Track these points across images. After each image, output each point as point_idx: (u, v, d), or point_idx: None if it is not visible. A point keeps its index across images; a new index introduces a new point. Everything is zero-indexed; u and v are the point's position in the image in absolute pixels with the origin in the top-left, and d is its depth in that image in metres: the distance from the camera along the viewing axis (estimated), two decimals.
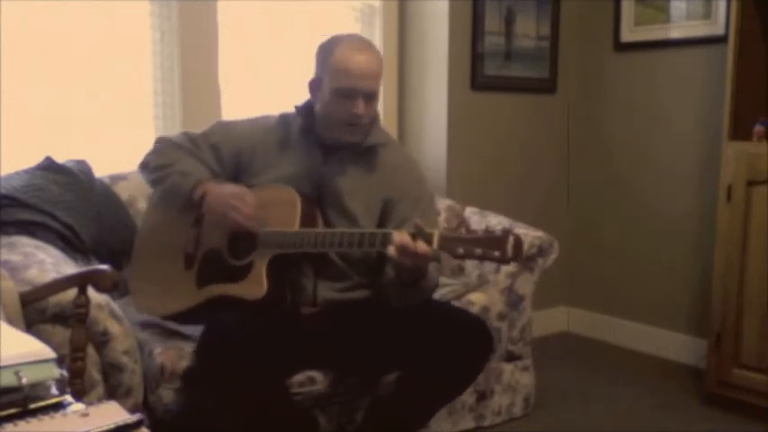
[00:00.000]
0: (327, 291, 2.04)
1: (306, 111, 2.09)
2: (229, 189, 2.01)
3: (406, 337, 1.94)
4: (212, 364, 1.85)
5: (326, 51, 2.01)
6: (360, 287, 2.08)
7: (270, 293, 1.93)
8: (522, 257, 1.65)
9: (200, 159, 2.11)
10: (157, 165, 2.10)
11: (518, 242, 1.64)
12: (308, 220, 1.97)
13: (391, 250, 1.74)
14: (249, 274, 1.96)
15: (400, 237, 1.74)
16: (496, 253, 1.64)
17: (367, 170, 2.08)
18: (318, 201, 2.05)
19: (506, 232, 1.64)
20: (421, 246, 1.71)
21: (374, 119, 2.10)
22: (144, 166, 2.15)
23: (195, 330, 1.99)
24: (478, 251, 1.65)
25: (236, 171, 2.13)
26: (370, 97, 1.99)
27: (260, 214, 1.97)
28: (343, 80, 1.96)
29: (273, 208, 1.98)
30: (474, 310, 2.43)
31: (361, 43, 2.03)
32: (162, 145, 2.14)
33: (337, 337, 2.01)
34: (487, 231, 1.66)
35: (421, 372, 1.92)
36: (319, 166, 2.07)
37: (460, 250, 1.67)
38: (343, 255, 2.02)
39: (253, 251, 1.98)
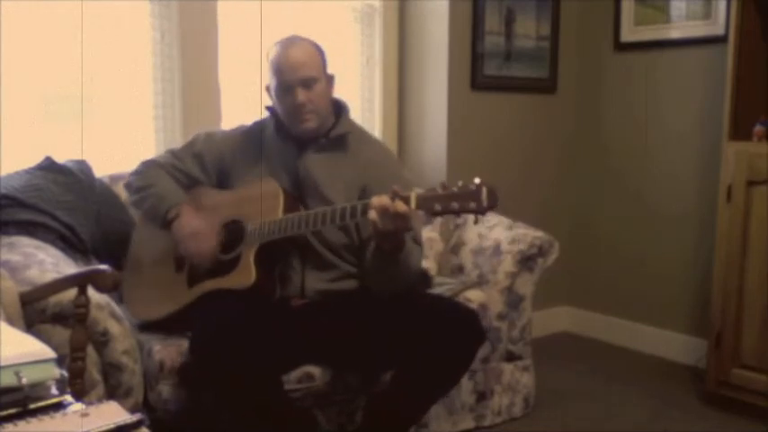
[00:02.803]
0: (315, 281, 2.08)
1: (276, 110, 2.17)
2: (192, 227, 2.07)
3: (395, 329, 1.96)
4: (205, 361, 1.86)
5: (268, 56, 2.12)
6: (347, 277, 2.11)
7: (259, 282, 1.98)
8: (497, 205, 1.69)
9: (184, 172, 2.20)
10: (138, 186, 2.19)
11: (492, 192, 1.69)
12: (290, 209, 2.03)
13: (372, 214, 1.78)
14: (238, 265, 2.02)
15: (379, 200, 1.77)
16: (472, 204, 1.69)
17: (341, 158, 2.14)
18: (300, 193, 2.11)
19: (480, 184, 1.69)
20: (400, 205, 1.75)
21: (341, 108, 2.19)
22: (127, 186, 2.25)
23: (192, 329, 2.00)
24: (455, 205, 1.70)
25: (221, 176, 2.22)
26: (308, 84, 2.05)
27: (244, 210, 2.06)
28: (277, 77, 2.07)
29: (257, 201, 2.05)
30: (472, 307, 2.43)
31: (291, 39, 2.11)
32: (144, 167, 2.22)
33: (329, 330, 2.04)
34: (462, 186, 1.71)
35: (413, 363, 1.95)
36: (295, 160, 2.14)
37: (438, 207, 1.71)
38: (327, 243, 2.07)
39: (239, 244, 2.03)
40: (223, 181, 2.21)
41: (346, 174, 2.12)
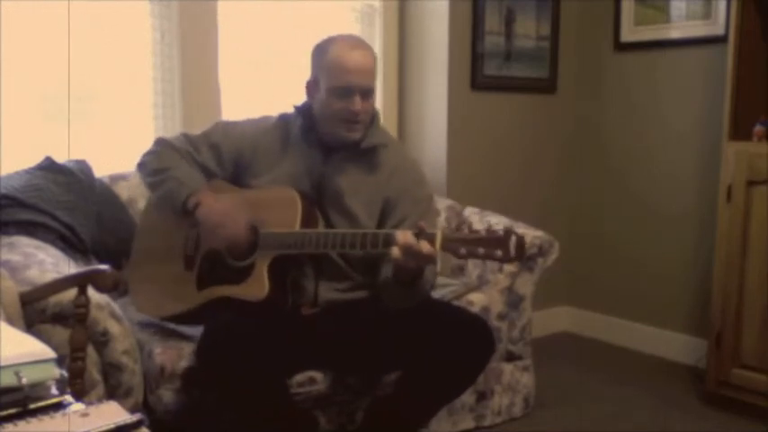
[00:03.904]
0: (328, 291, 2.04)
1: (305, 111, 2.09)
2: (222, 206, 2.00)
3: (406, 337, 1.94)
4: (212, 365, 1.85)
5: (321, 51, 2.02)
6: (360, 287, 2.08)
7: (271, 294, 1.93)
8: (525, 256, 1.65)
9: (199, 162, 2.11)
10: (154, 169, 2.09)
11: (520, 241, 1.65)
12: (308, 221, 1.97)
13: (395, 251, 1.74)
14: (250, 275, 1.96)
15: (404, 237, 1.73)
16: (499, 252, 1.65)
17: (367, 170, 2.07)
18: (319, 200, 2.05)
19: (508, 232, 1.65)
20: (425, 245, 1.71)
21: (373, 117, 2.10)
22: (141, 166, 2.15)
23: (195, 330, 1.99)
24: (481, 251, 1.66)
25: (236, 171, 2.14)
26: (367, 93, 2.00)
27: (260, 215, 1.98)
28: (339, 78, 1.96)
29: (274, 208, 1.98)
30: (474, 310, 2.43)
31: (355, 41, 2.04)
32: (160, 147, 2.13)
33: (338, 338, 2.01)
34: (490, 231, 1.67)
35: (422, 371, 1.93)
36: (319, 166, 2.07)
37: (463, 250, 1.67)
38: (344, 254, 2.02)
39: (254, 252, 1.98)
40: (239, 176, 2.13)
41: (371, 186, 2.06)
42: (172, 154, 2.10)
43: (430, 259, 1.75)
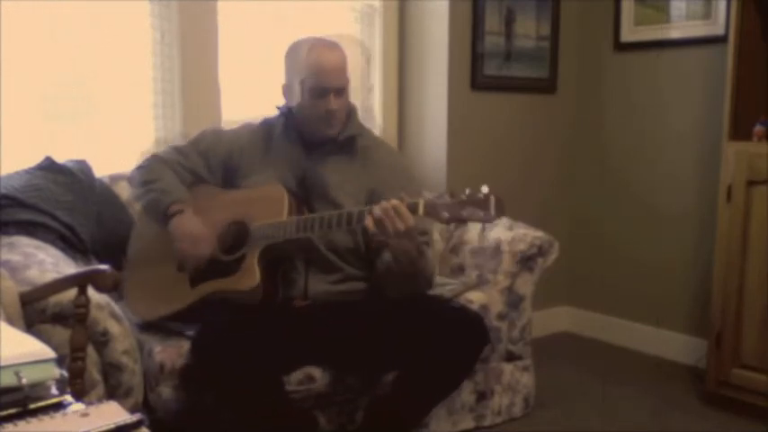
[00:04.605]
0: (318, 284, 2.08)
1: (286, 110, 2.17)
2: (190, 228, 2.05)
3: (401, 332, 1.96)
4: (206, 363, 1.87)
5: (294, 54, 2.10)
6: (351, 279, 2.11)
7: (263, 284, 1.97)
8: (504, 215, 1.70)
9: (188, 168, 2.19)
10: (142, 180, 2.17)
11: (500, 201, 1.70)
12: (295, 213, 2.03)
13: (368, 220, 1.78)
14: (241, 266, 2.01)
15: (379, 206, 1.77)
16: (480, 213, 1.70)
17: (349, 161, 2.14)
18: (306, 195, 2.10)
19: (488, 193, 1.70)
20: (395, 203, 1.75)
21: (351, 112, 2.18)
22: (130, 180, 2.25)
23: (194, 329, 2.00)
24: (463, 213, 1.71)
25: (226, 175, 2.21)
26: (341, 92, 2.08)
27: (249, 212, 2.05)
28: (314, 79, 2.04)
29: (262, 205, 2.05)
30: (472, 308, 2.43)
31: (326, 42, 2.11)
32: (149, 162, 2.21)
33: (334, 332, 2.04)
34: (470, 194, 1.71)
35: (417, 367, 1.94)
36: (303, 162, 2.14)
37: (446, 214, 1.72)
38: (332, 246, 2.07)
39: (243, 245, 2.03)
40: (228, 180, 2.21)
41: (354, 177, 2.12)
42: (160, 166, 2.18)
43: (408, 221, 1.76)
